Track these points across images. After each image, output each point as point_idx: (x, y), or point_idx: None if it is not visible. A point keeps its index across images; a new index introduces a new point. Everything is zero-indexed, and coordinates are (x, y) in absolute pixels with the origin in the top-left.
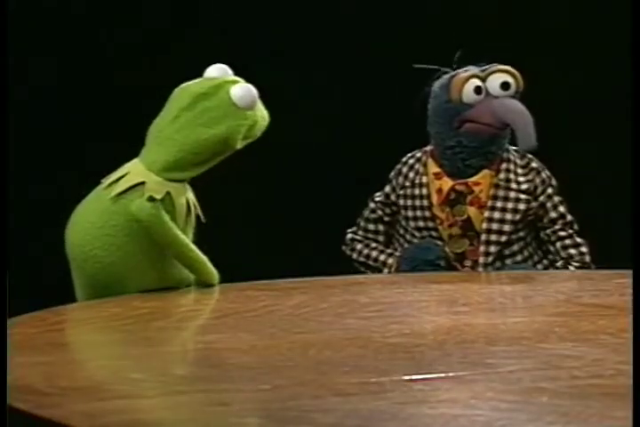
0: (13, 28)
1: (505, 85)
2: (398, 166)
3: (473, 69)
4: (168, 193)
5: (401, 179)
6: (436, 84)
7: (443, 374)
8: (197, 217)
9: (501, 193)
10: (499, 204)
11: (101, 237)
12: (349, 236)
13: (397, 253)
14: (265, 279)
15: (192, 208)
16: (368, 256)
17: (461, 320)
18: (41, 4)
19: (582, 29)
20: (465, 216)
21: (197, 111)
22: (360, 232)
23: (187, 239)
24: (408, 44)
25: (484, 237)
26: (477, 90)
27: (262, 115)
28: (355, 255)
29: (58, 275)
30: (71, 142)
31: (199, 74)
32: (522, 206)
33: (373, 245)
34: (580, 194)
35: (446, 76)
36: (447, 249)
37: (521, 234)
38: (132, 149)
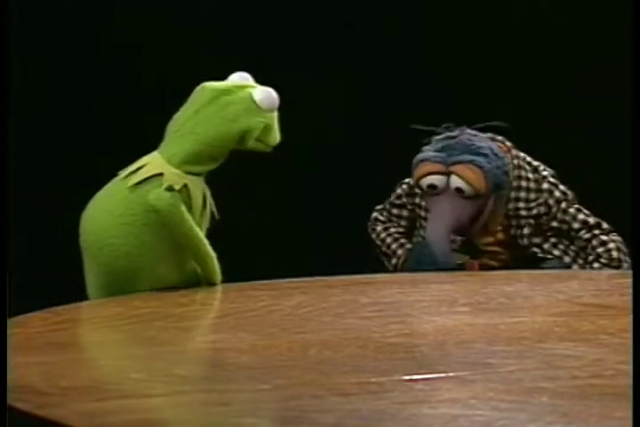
0: (13, 27)
1: (458, 190)
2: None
3: (436, 159)
4: (185, 185)
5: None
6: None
7: (443, 374)
8: (212, 214)
9: (514, 222)
10: (512, 231)
11: (118, 225)
12: (374, 215)
13: (408, 246)
14: (265, 279)
15: (208, 203)
16: (383, 241)
17: (461, 320)
18: (41, 5)
19: (582, 31)
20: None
21: (219, 105)
22: (384, 213)
23: (201, 233)
24: (410, 46)
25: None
26: (432, 187)
27: (277, 130)
28: (374, 236)
29: (58, 275)
30: (72, 142)
31: (198, 74)
32: (527, 231)
33: (392, 229)
34: (581, 194)
35: (417, 158)
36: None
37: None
38: (135, 147)
